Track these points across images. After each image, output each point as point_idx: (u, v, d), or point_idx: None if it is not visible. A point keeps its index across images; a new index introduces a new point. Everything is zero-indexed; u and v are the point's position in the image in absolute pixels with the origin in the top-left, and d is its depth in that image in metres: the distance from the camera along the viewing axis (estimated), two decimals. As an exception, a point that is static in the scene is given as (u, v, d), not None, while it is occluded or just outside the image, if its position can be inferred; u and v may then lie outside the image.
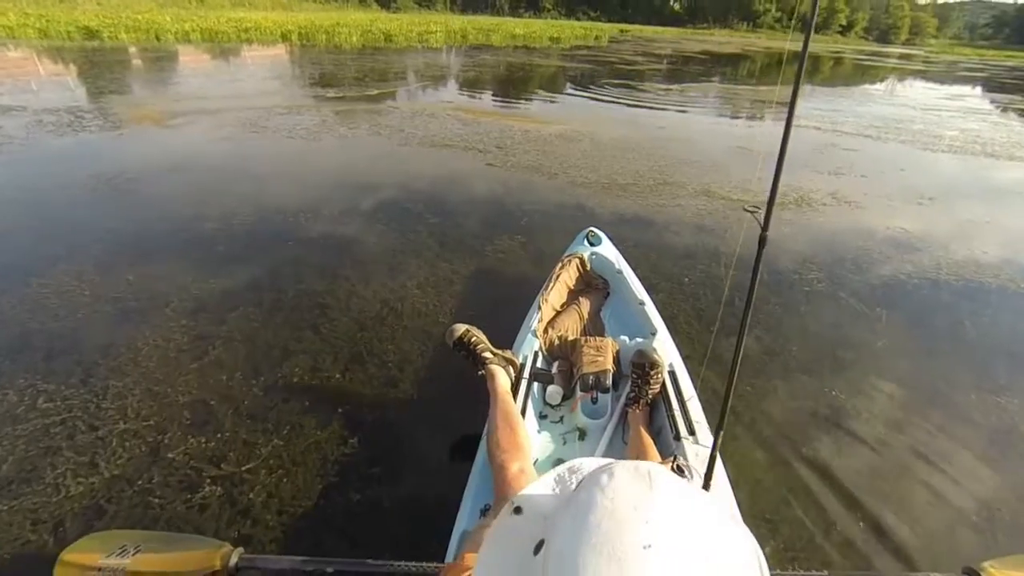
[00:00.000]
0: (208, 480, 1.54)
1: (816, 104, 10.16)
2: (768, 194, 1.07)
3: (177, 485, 1.52)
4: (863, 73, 20.67)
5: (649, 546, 0.35)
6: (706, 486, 1.17)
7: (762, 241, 1.09)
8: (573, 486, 0.46)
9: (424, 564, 1.00)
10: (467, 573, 0.63)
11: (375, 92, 8.26)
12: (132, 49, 12.46)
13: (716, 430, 1.14)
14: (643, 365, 1.50)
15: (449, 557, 1.04)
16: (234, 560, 1.00)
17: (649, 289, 2.18)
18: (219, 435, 1.68)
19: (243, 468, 1.58)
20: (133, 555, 1.00)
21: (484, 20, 32.89)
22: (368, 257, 2.94)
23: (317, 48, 15.24)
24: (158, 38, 15.09)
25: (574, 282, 2.20)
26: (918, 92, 14.73)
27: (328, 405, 1.85)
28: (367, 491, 1.55)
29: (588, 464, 0.49)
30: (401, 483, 1.58)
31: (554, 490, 0.48)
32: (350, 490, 1.54)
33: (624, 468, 0.42)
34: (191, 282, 2.56)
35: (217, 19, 18.54)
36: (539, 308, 1.93)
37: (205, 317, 2.30)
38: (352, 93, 8.10)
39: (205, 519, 1.44)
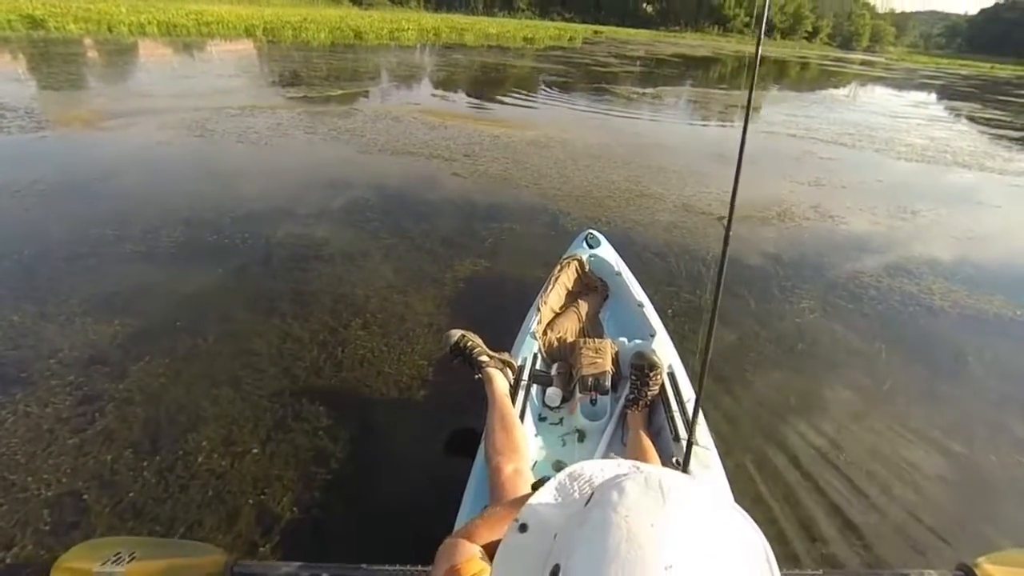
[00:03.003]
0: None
1: (790, 110, 10.14)
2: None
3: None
4: (830, 78, 21.07)
5: (671, 566, 0.34)
6: (684, 470, 1.21)
7: (726, 240, 1.18)
8: (576, 494, 0.46)
9: (421, 568, 0.99)
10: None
11: (338, 92, 7.81)
12: (79, 41, 11.61)
13: (693, 415, 1.22)
14: (642, 367, 1.50)
15: None
16: (230, 566, 0.99)
17: (648, 291, 2.14)
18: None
19: None
20: (128, 562, 0.99)
21: (458, 19, 32.40)
22: (315, 285, 2.58)
23: (283, 44, 14.57)
24: (110, 30, 14.17)
25: (573, 284, 2.18)
26: (885, 99, 15.02)
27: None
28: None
29: (588, 469, 0.48)
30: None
31: (557, 499, 0.46)
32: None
33: (634, 482, 0.41)
34: (91, 323, 2.15)
35: (176, 11, 17.58)
36: (538, 310, 1.91)
37: (100, 372, 1.89)
38: (314, 93, 7.63)
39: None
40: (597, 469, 0.48)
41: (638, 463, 0.48)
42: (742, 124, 1.19)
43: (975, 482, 1.78)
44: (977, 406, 2.16)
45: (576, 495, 0.46)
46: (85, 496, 1.43)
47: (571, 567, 0.38)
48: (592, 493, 0.43)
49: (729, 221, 1.20)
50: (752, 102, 1.10)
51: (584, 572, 0.36)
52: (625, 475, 0.43)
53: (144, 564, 1.00)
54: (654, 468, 0.45)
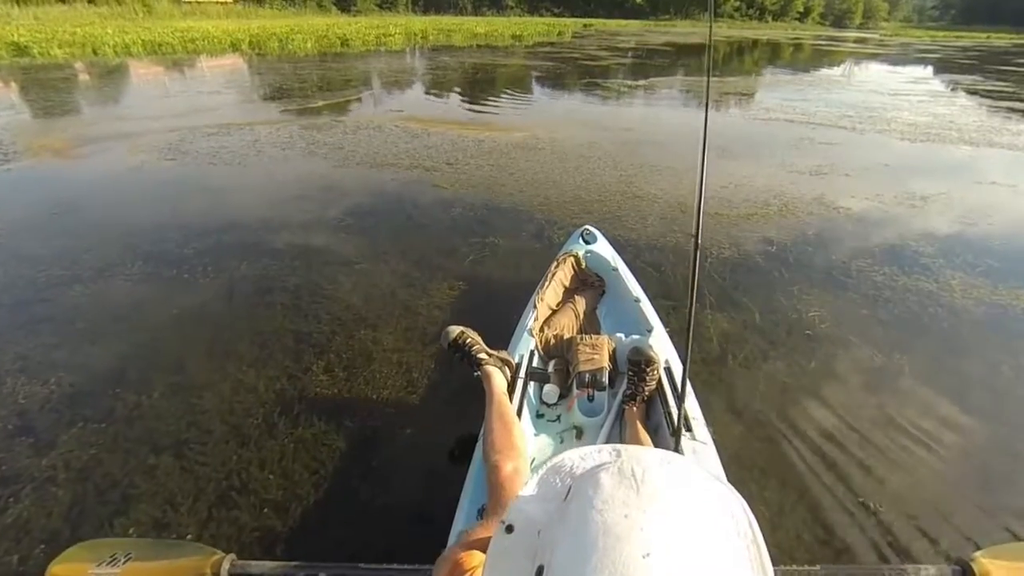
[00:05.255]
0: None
1: (785, 94, 9.85)
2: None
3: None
4: (825, 58, 20.67)
5: (648, 554, 0.35)
6: (676, 448, 1.23)
7: (696, 246, 1.20)
8: (559, 485, 0.46)
9: (419, 567, 0.99)
10: (468, 573, 0.65)
11: (320, 104, 7.61)
12: (63, 66, 11.44)
13: (679, 407, 1.28)
14: (639, 362, 1.48)
15: None
16: (226, 567, 0.99)
17: (644, 286, 2.11)
18: None
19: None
20: (124, 563, 0.97)
21: (446, 20, 32.14)
22: (277, 322, 2.36)
23: (269, 57, 14.38)
24: (95, 52, 14.04)
25: (569, 280, 2.16)
26: (882, 76, 14.66)
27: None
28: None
29: (568, 460, 0.48)
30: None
31: (540, 494, 0.46)
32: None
33: (609, 474, 0.41)
34: (23, 384, 1.94)
35: (162, 30, 17.45)
36: (535, 307, 1.90)
37: (23, 445, 1.68)
38: (294, 106, 7.43)
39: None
40: (577, 459, 0.48)
41: (619, 446, 0.47)
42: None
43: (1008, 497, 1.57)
44: (1018, 424, 1.92)
45: (558, 486, 0.46)
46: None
47: (554, 566, 0.38)
48: (571, 487, 0.43)
49: (697, 234, 1.22)
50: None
51: (566, 570, 0.37)
52: (601, 466, 0.43)
53: (140, 565, 0.98)
54: (633, 451, 0.45)
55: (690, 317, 1.21)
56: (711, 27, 1.18)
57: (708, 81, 1.10)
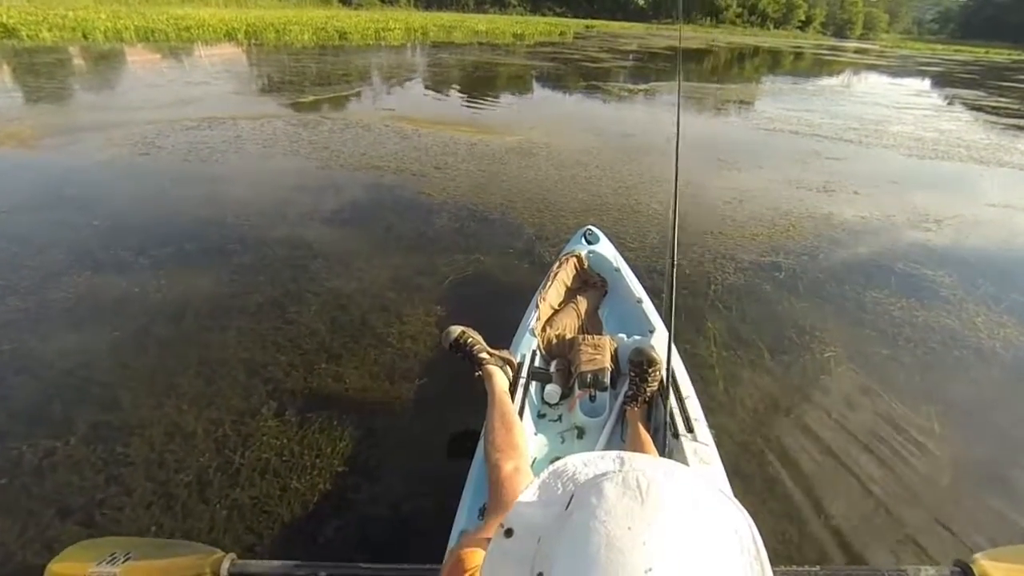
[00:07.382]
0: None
1: (789, 104, 9.65)
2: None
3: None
4: (826, 68, 20.55)
5: (650, 569, 0.34)
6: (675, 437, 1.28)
7: (673, 265, 1.32)
8: (560, 491, 0.45)
9: (419, 566, 0.98)
10: (467, 574, 0.63)
11: (310, 99, 7.31)
12: (49, 49, 11.06)
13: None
14: (641, 363, 1.48)
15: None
16: (226, 566, 0.97)
17: (647, 287, 2.09)
18: None
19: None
20: (123, 562, 0.96)
21: (447, 16, 31.86)
22: (230, 350, 2.10)
23: (264, 48, 14.06)
24: (85, 36, 13.68)
25: (572, 280, 2.15)
26: (885, 88, 14.53)
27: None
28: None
29: (571, 465, 0.47)
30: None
31: (541, 499, 0.45)
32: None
33: (613, 483, 0.41)
34: (-78, 422, 1.68)
35: (156, 16, 17.08)
36: (537, 307, 1.89)
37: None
38: (283, 100, 7.14)
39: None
40: (580, 464, 0.47)
41: (623, 454, 0.46)
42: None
43: None
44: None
45: (559, 492, 0.45)
46: None
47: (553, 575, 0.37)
48: (573, 494, 0.43)
49: (673, 255, 1.24)
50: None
51: None
52: (604, 475, 0.42)
53: (139, 564, 0.97)
54: (637, 461, 0.44)
55: (671, 299, 1.21)
56: (680, 31, 1.18)
57: (680, 82, 1.16)
